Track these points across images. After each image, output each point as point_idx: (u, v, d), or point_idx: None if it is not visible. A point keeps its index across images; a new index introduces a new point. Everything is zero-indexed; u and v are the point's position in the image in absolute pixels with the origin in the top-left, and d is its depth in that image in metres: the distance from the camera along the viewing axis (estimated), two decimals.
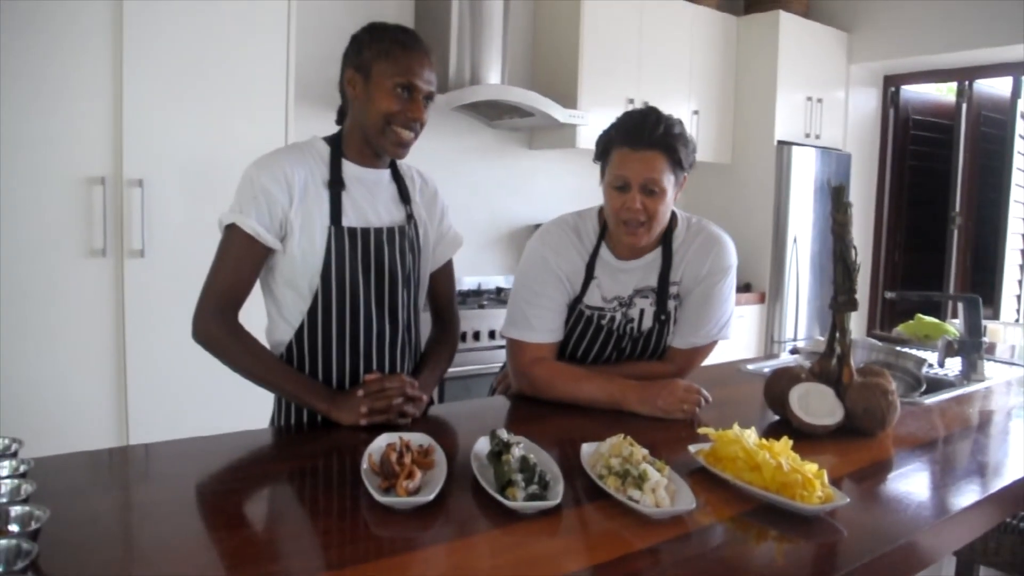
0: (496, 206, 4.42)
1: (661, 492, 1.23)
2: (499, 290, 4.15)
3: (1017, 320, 5.22)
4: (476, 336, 3.62)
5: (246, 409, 2.82)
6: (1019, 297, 5.19)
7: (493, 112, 4.11)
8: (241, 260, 1.65)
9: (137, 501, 1.28)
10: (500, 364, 3.51)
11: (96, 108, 2.62)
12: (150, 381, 2.77)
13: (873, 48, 5.04)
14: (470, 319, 3.61)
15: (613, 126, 1.86)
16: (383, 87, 1.64)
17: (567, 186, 4.69)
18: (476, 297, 3.95)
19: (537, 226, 4.40)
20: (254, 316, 1.75)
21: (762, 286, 4.89)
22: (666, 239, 1.94)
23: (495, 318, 3.69)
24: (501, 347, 3.64)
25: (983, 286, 5.02)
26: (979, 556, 2.12)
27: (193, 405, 2.81)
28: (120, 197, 2.68)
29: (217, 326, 1.64)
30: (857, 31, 5.09)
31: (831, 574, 1.08)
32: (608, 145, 1.84)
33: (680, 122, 1.85)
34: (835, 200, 1.77)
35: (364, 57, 1.67)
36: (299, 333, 1.71)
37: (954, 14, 4.62)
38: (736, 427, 1.43)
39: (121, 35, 2.62)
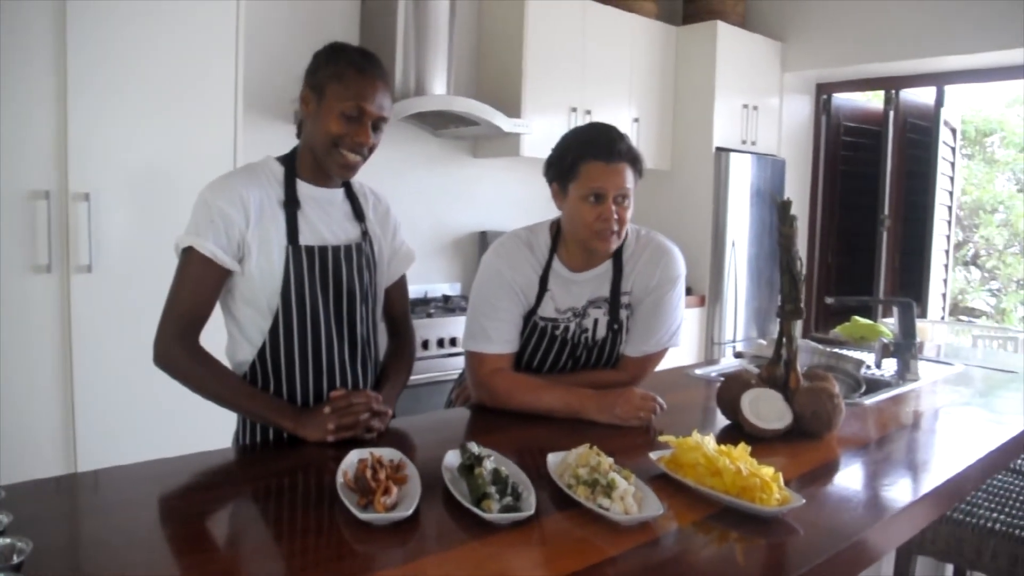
0: (441, 215, 4.44)
1: (629, 500, 1.29)
2: (446, 298, 4.18)
3: (943, 318, 5.45)
4: (425, 345, 3.64)
5: (201, 429, 2.77)
6: (944, 296, 5.42)
7: (438, 121, 4.14)
8: (200, 283, 1.66)
9: (93, 531, 1.25)
10: (451, 372, 3.57)
11: (40, 119, 2.55)
12: (99, 402, 2.70)
13: (806, 57, 5.21)
14: (418, 328, 3.59)
15: (577, 142, 1.92)
16: (333, 109, 1.66)
17: (511, 194, 4.75)
18: (423, 306, 3.97)
19: (482, 234, 4.50)
20: (213, 336, 1.75)
21: (702, 290, 5.01)
22: (616, 251, 2.01)
23: (443, 327, 3.72)
24: (451, 355, 3.68)
25: (912, 286, 5.23)
26: (916, 547, 2.23)
27: (145, 426, 2.75)
28: (66, 211, 2.61)
29: (179, 350, 1.65)
30: (791, 41, 5.25)
31: (797, 571, 1.15)
32: (576, 160, 1.89)
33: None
34: (781, 214, 1.85)
35: (319, 77, 1.69)
36: (261, 352, 1.72)
37: (882, 27, 4.81)
38: (696, 434, 1.50)
39: (64, 44, 2.55)
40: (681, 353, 4.53)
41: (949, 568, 2.59)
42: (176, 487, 1.46)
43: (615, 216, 1.87)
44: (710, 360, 4.67)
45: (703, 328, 5.03)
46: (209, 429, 2.79)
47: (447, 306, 4.00)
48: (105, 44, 2.66)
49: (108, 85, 2.68)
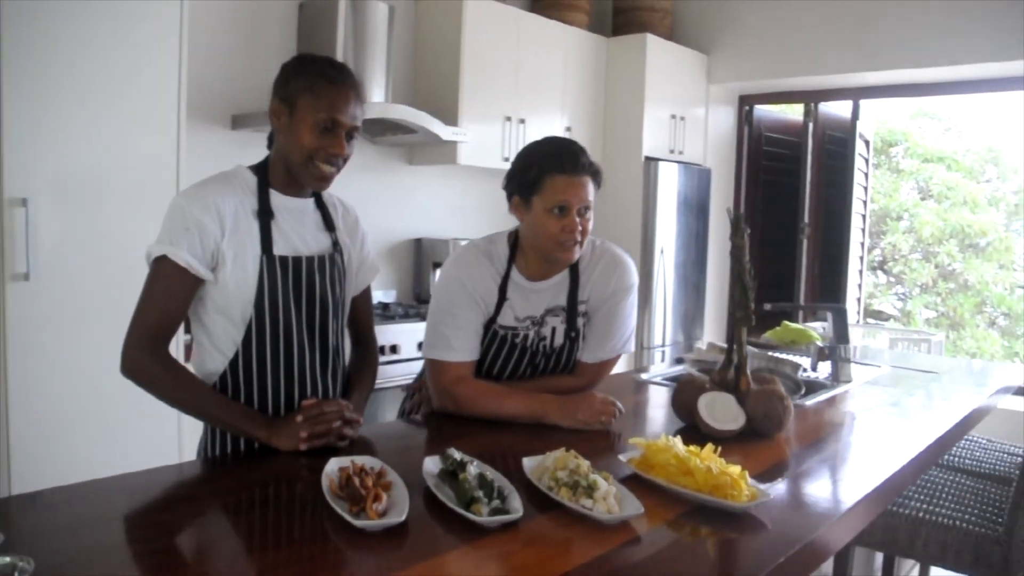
0: (377, 222, 4.43)
1: (611, 500, 1.35)
2: (384, 306, 4.19)
3: (858, 322, 5.71)
4: None
5: (141, 443, 2.75)
6: (859, 300, 5.68)
7: (376, 128, 4.15)
8: (172, 292, 1.65)
9: (66, 550, 1.18)
10: (393, 380, 3.59)
11: None
12: (34, 414, 2.59)
13: (730, 70, 5.39)
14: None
15: (540, 155, 1.96)
16: (306, 122, 1.66)
17: (447, 202, 4.78)
18: None
19: (418, 241, 4.52)
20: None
21: None
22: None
23: (381, 334, 3.69)
24: (391, 363, 3.69)
25: (831, 291, 5.46)
26: (855, 538, 2.36)
27: (84, 439, 2.65)
28: (1, 217, 2.51)
29: (148, 359, 1.63)
30: (715, 54, 5.43)
31: (772, 562, 1.23)
32: (541, 174, 1.93)
33: None
34: (734, 226, 1.95)
35: (290, 89, 1.68)
36: (233, 362, 1.72)
37: (803, 43, 5.04)
38: (664, 436, 1.58)
39: None
40: None
41: (879, 556, 2.75)
42: (150, 501, 1.45)
43: (579, 227, 1.93)
44: (640, 367, 4.80)
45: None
46: (149, 443, 2.76)
47: (385, 314, 4.01)
48: (42, 46, 2.57)
49: (45, 88, 2.59)
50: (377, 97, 3.96)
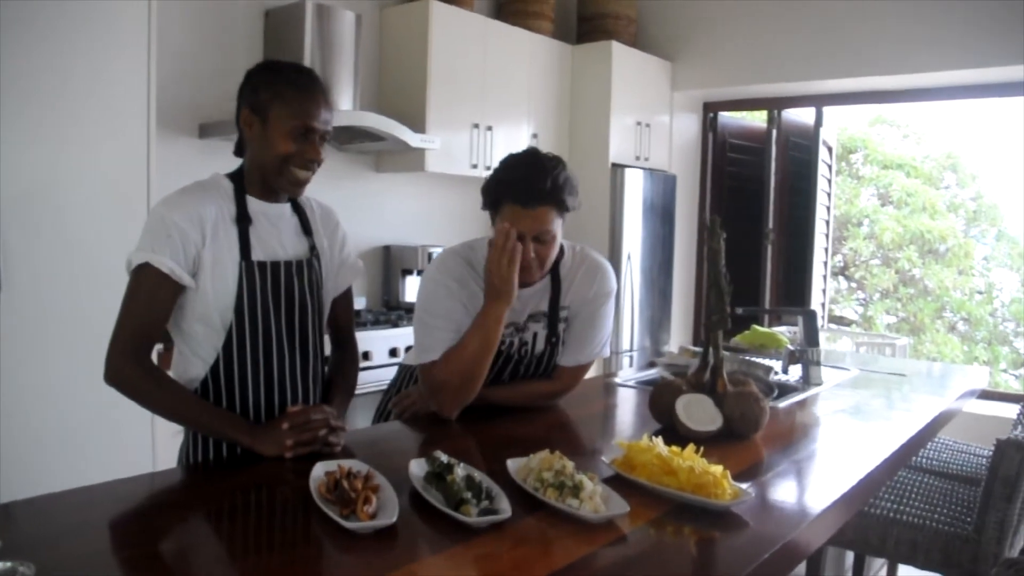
0: (346, 229, 4.41)
1: (597, 499, 1.36)
2: (355, 312, 4.15)
3: (822, 326, 5.78)
4: None
5: (118, 451, 2.73)
6: (824, 305, 5.75)
7: (344, 136, 4.12)
8: (154, 299, 1.64)
9: (57, 559, 1.17)
10: (365, 386, 3.56)
11: None
12: (11, 427, 2.56)
13: (694, 77, 5.44)
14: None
15: (501, 180, 1.94)
16: (279, 130, 1.67)
17: (414, 209, 4.77)
18: None
19: (386, 248, 4.50)
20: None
21: None
22: (554, 267, 2.07)
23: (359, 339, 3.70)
24: (365, 368, 3.66)
25: (795, 297, 5.53)
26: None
27: (60, 448, 2.65)
28: None
29: (131, 367, 1.64)
30: (679, 61, 5.47)
31: (756, 560, 1.24)
32: (498, 199, 1.93)
33: (564, 166, 1.96)
34: (710, 230, 1.97)
35: (260, 99, 1.69)
36: (214, 368, 1.72)
37: (765, 50, 5.10)
38: (647, 437, 1.59)
39: None
40: None
41: (850, 556, 2.78)
42: (141, 507, 1.45)
43: (532, 255, 1.91)
44: (609, 372, 4.82)
45: None
46: (126, 451, 2.76)
47: (356, 321, 3.97)
48: (7, 55, 2.53)
49: (11, 97, 2.55)
50: (345, 105, 3.95)
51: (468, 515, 1.30)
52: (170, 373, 1.77)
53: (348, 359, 2.00)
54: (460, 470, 1.42)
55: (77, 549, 1.21)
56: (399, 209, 4.70)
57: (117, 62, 2.83)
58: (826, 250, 5.65)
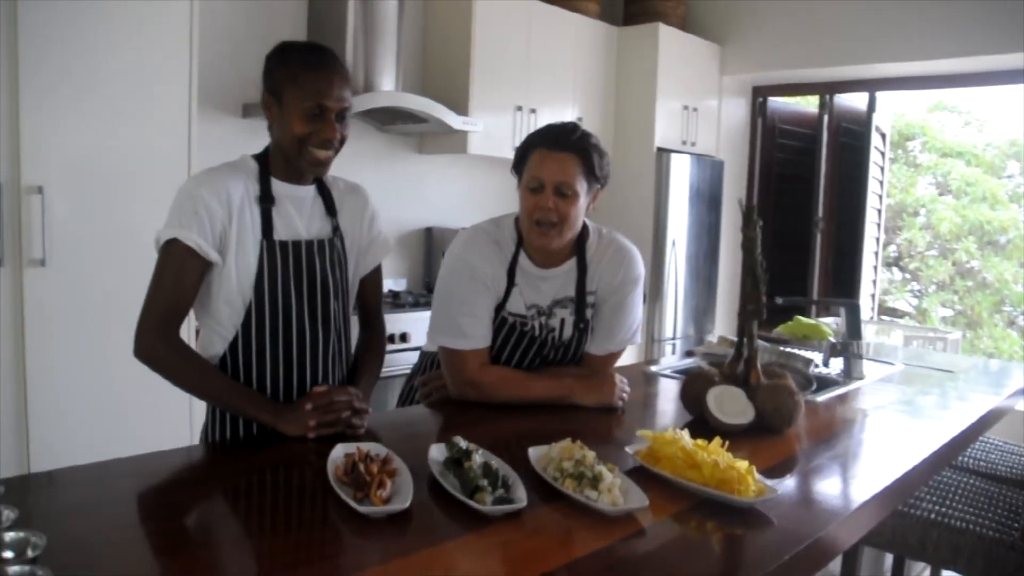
0: (386, 211, 4.36)
1: (616, 491, 1.33)
2: (394, 294, 4.17)
3: (872, 318, 5.64)
4: None
5: (156, 425, 2.79)
6: (873, 296, 5.61)
7: (386, 117, 4.12)
8: (183, 275, 1.66)
9: (76, 529, 1.19)
10: (400, 368, 3.55)
11: None
12: (53, 397, 2.65)
13: (743, 61, 5.33)
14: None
15: (533, 132, 1.96)
16: (294, 111, 1.67)
17: (457, 191, 4.75)
18: None
19: (428, 230, 4.49)
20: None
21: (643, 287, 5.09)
22: (580, 249, 2.03)
23: (391, 323, 3.70)
24: (400, 351, 3.67)
25: (844, 287, 5.40)
26: (863, 537, 2.32)
27: (100, 421, 2.72)
28: (18, 204, 2.57)
29: (160, 343, 1.65)
30: (729, 45, 5.36)
31: (778, 559, 1.19)
32: (527, 149, 1.92)
33: (597, 137, 1.95)
34: (746, 218, 1.90)
35: (276, 80, 1.70)
36: (232, 345, 1.73)
37: (818, 32, 4.96)
38: (673, 429, 1.54)
39: (16, 36, 2.50)
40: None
41: (889, 558, 2.70)
42: (159, 483, 1.46)
43: (551, 206, 1.86)
44: (651, 359, 4.76)
45: (644, 326, 5.10)
46: (164, 425, 2.81)
47: (396, 302, 3.99)
48: (58, 38, 2.62)
49: (61, 78, 2.63)
50: (387, 86, 3.93)
51: (483, 503, 1.28)
52: (197, 348, 1.78)
53: (375, 341, 1.99)
54: (478, 457, 1.40)
55: (91, 523, 1.22)
56: (441, 191, 4.69)
57: (162, 45, 2.89)
58: (877, 240, 5.50)
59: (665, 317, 5.10)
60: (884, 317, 8.44)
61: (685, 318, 5.25)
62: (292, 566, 1.11)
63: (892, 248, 9.15)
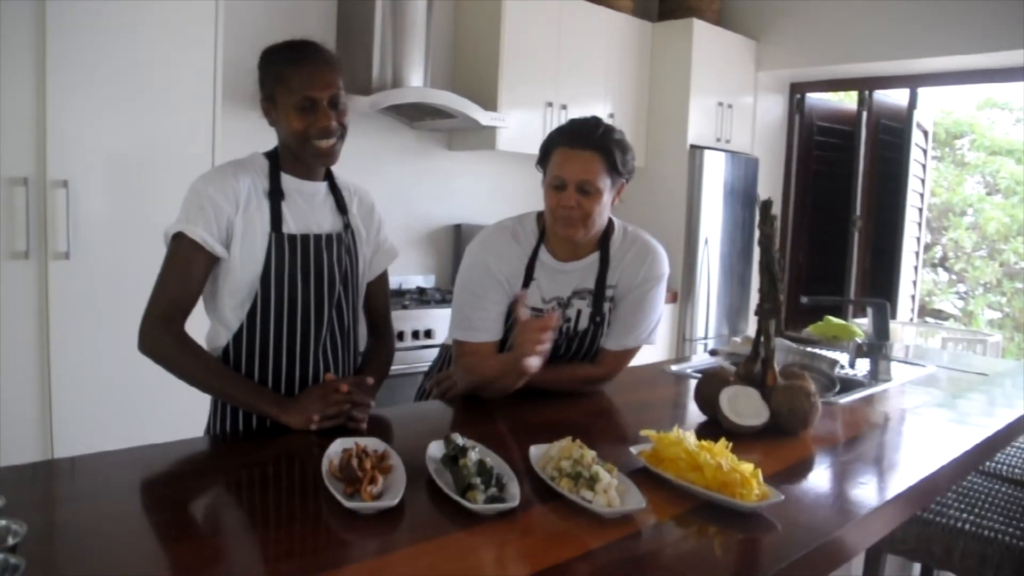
0: (416, 207, 4.42)
1: (612, 492, 1.29)
2: (421, 290, 4.16)
3: (912, 320, 5.51)
4: (400, 336, 3.62)
5: (178, 417, 2.77)
6: (914, 297, 5.48)
7: (414, 113, 4.11)
8: (188, 269, 1.68)
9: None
10: (425, 364, 3.54)
11: (18, 107, 2.54)
12: (76, 388, 2.70)
13: (780, 57, 5.23)
14: (392, 320, 3.62)
15: (556, 130, 1.94)
16: (287, 110, 1.70)
17: (486, 187, 4.73)
18: (398, 298, 3.95)
19: (457, 227, 4.47)
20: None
21: (674, 286, 5.03)
22: (604, 244, 2.02)
23: (417, 319, 3.70)
24: (425, 347, 3.66)
25: (882, 287, 5.27)
26: (886, 544, 2.24)
27: (122, 413, 2.75)
28: (43, 198, 2.61)
29: (165, 337, 1.67)
30: (765, 40, 5.27)
31: (777, 565, 1.15)
32: (550, 147, 1.91)
33: (621, 132, 1.94)
34: (762, 214, 1.85)
35: (266, 85, 1.74)
36: (237, 336, 1.74)
37: (857, 27, 4.84)
38: (677, 429, 1.50)
39: (44, 32, 2.54)
40: (653, 349, 4.52)
41: (917, 567, 2.62)
42: (160, 474, 1.46)
43: (573, 203, 1.86)
44: (682, 357, 4.69)
45: (675, 324, 5.04)
46: (186, 417, 2.78)
47: (422, 298, 3.98)
48: (84, 35, 2.65)
49: (86, 73, 2.67)
50: (415, 81, 3.93)
51: (474, 501, 1.26)
52: (202, 341, 1.79)
53: (383, 344, 2.01)
54: (474, 454, 1.37)
55: (76, 512, 1.23)
56: (471, 188, 4.67)
57: (187, 40, 2.91)
58: (918, 239, 5.36)
59: (697, 316, 5.03)
60: (929, 319, 8.25)
61: (719, 317, 5.17)
62: (272, 560, 1.10)
63: (937, 249, 8.94)
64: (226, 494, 1.39)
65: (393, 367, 3.44)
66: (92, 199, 2.72)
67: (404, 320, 3.65)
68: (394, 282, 4.22)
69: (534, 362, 1.82)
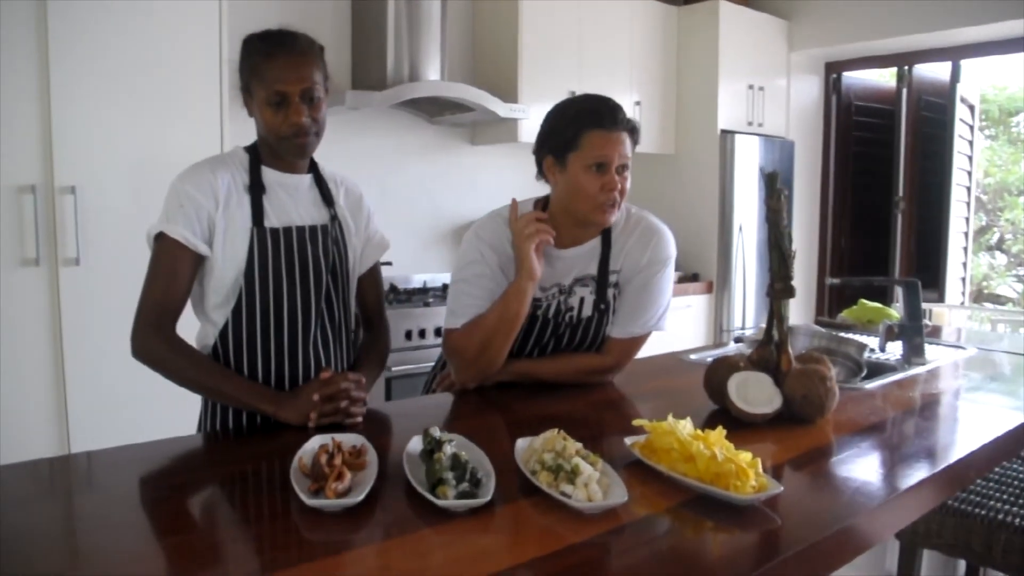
0: (440, 203, 4.36)
1: (594, 486, 1.21)
2: (445, 287, 4.09)
3: (962, 303, 5.28)
4: (422, 334, 3.56)
5: (190, 419, 2.77)
6: (964, 280, 5.25)
7: (433, 108, 4.05)
8: (173, 269, 1.65)
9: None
10: None
11: (23, 114, 2.54)
12: (90, 390, 2.71)
13: (813, 35, 5.05)
14: (416, 317, 3.56)
15: (575, 112, 1.85)
16: (260, 103, 1.66)
17: (510, 180, 4.64)
18: (422, 295, 3.90)
19: None
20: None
21: (709, 275, 4.88)
22: (605, 228, 1.94)
23: (441, 316, 3.62)
24: (437, 346, 3.58)
25: (928, 269, 5.06)
26: (921, 539, 2.10)
27: (137, 417, 2.71)
28: (52, 204, 2.62)
29: (156, 341, 1.64)
30: (797, 19, 5.09)
31: (764, 563, 1.05)
32: (578, 130, 1.82)
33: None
34: (768, 187, 1.73)
35: (243, 77, 1.71)
36: (223, 334, 1.71)
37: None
38: (670, 418, 1.39)
39: (47, 38, 2.54)
40: (690, 341, 4.41)
41: (962, 564, 2.46)
42: (150, 472, 1.44)
43: (618, 185, 1.83)
44: (715, 345, 4.55)
45: (711, 315, 4.90)
46: (193, 416, 2.79)
47: (445, 295, 3.90)
48: (88, 38, 2.65)
49: (92, 79, 2.67)
50: (432, 75, 3.86)
51: (444, 496, 1.18)
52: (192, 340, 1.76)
53: (376, 338, 1.95)
54: (449, 448, 1.29)
55: (39, 514, 1.20)
56: (495, 181, 4.59)
57: (191, 41, 2.91)
58: (967, 220, 5.14)
59: (734, 306, 4.88)
60: (988, 304, 7.94)
61: (757, 307, 5.00)
62: (229, 560, 1.07)
63: (994, 231, 8.61)
64: (200, 492, 1.35)
65: (416, 365, 3.39)
66: (100, 204, 2.72)
67: (427, 317, 3.59)
68: (418, 280, 4.18)
69: (536, 268, 1.83)
